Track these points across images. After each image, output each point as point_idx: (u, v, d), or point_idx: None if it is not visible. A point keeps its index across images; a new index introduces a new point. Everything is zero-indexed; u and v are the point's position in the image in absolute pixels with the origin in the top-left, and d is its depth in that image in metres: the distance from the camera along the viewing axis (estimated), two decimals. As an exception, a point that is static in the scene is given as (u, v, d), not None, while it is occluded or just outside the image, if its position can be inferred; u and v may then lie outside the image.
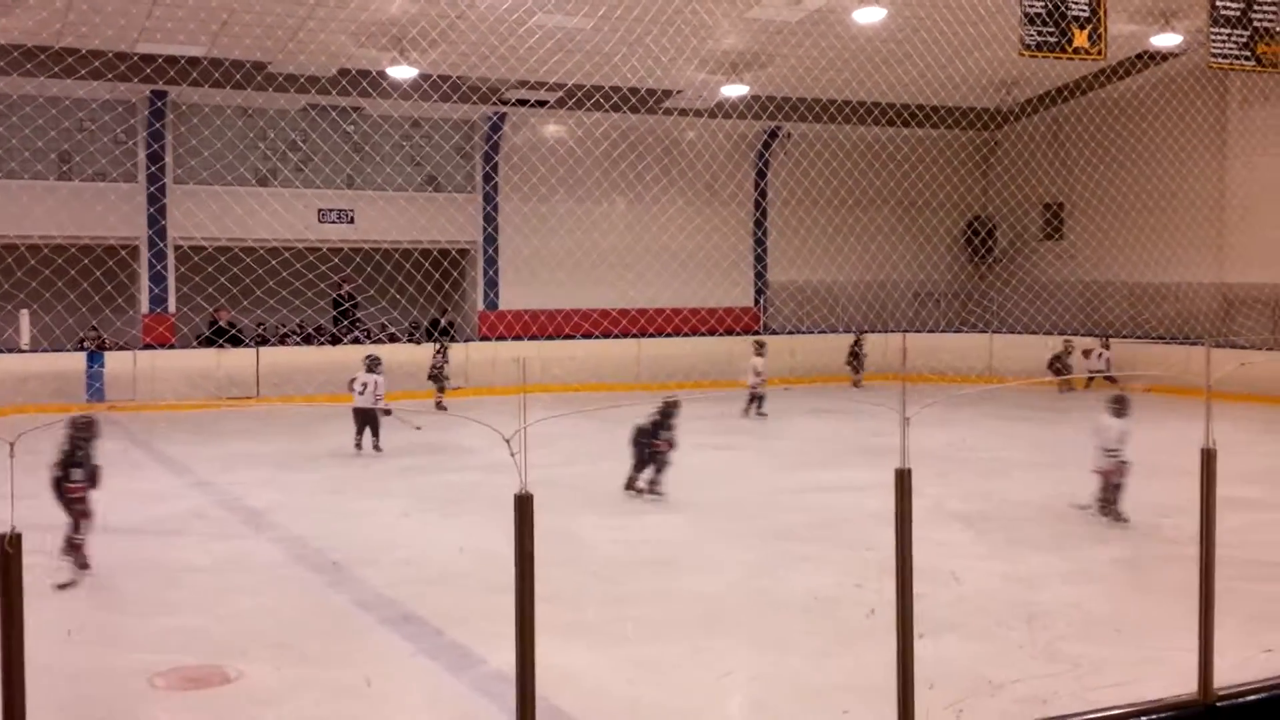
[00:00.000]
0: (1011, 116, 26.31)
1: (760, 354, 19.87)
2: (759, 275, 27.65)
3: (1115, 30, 17.07)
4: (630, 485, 12.43)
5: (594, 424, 18.08)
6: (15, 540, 3.04)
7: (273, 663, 7.17)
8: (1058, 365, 23.26)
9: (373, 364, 15.49)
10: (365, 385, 15.26)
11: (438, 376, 20.41)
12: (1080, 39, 15.60)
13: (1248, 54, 16.49)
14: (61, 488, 8.84)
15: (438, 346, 20.96)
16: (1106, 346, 23.23)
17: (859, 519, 10.91)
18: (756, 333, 27.05)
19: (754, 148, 27.03)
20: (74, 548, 8.93)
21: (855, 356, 24.58)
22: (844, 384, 24.27)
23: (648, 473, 12.33)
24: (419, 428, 15.88)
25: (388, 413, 15.16)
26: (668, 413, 12.17)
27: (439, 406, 20.10)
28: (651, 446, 12.19)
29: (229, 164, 22.86)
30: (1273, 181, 22.24)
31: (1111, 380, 20.88)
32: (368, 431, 15.41)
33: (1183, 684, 5.18)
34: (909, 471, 4.63)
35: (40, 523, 10.92)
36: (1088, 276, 25.58)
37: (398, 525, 11.38)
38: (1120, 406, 11.35)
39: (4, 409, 19.21)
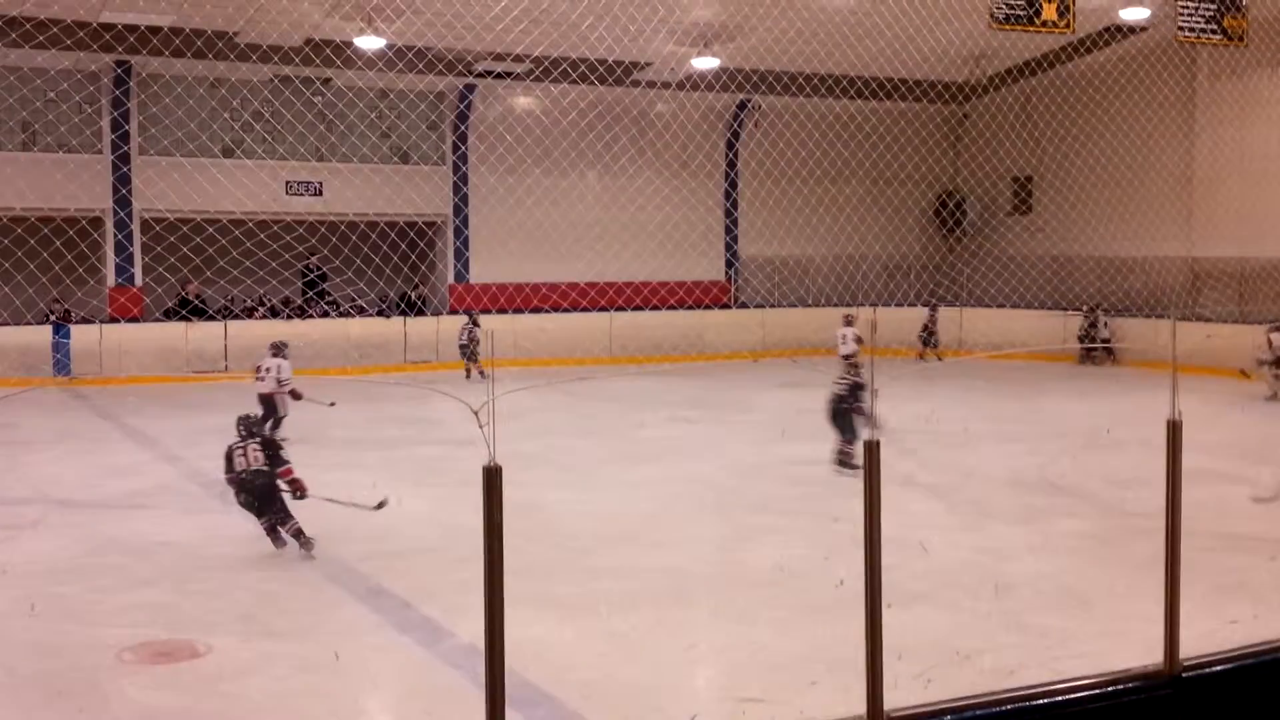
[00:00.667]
0: (981, 90, 26.32)
1: (850, 324, 20.30)
2: (730, 249, 27.65)
3: (1084, 4, 17.09)
4: (847, 461, 11.83)
5: (565, 398, 18.10)
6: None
7: (242, 636, 7.15)
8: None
9: (278, 349, 14.90)
10: (268, 370, 14.63)
11: (467, 348, 21.18)
12: (1049, 12, 15.65)
13: (1215, 27, 16.59)
14: (276, 484, 9.01)
15: (468, 318, 21.85)
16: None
17: (828, 492, 10.98)
18: (726, 305, 27.12)
19: (725, 121, 26.97)
20: (299, 534, 9.07)
21: (927, 330, 24.32)
22: (817, 357, 24.11)
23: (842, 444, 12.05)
24: (332, 404, 15.45)
25: (297, 397, 14.70)
26: (861, 381, 12.13)
27: (473, 375, 20.98)
28: (854, 410, 11.97)
29: (195, 135, 22.54)
30: (1240, 155, 22.39)
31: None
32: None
33: (1148, 655, 5.24)
34: (878, 443, 4.65)
35: (13, 497, 10.86)
36: (1056, 250, 25.71)
37: (366, 499, 11.33)
38: None
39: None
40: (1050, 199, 26.11)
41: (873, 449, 4.69)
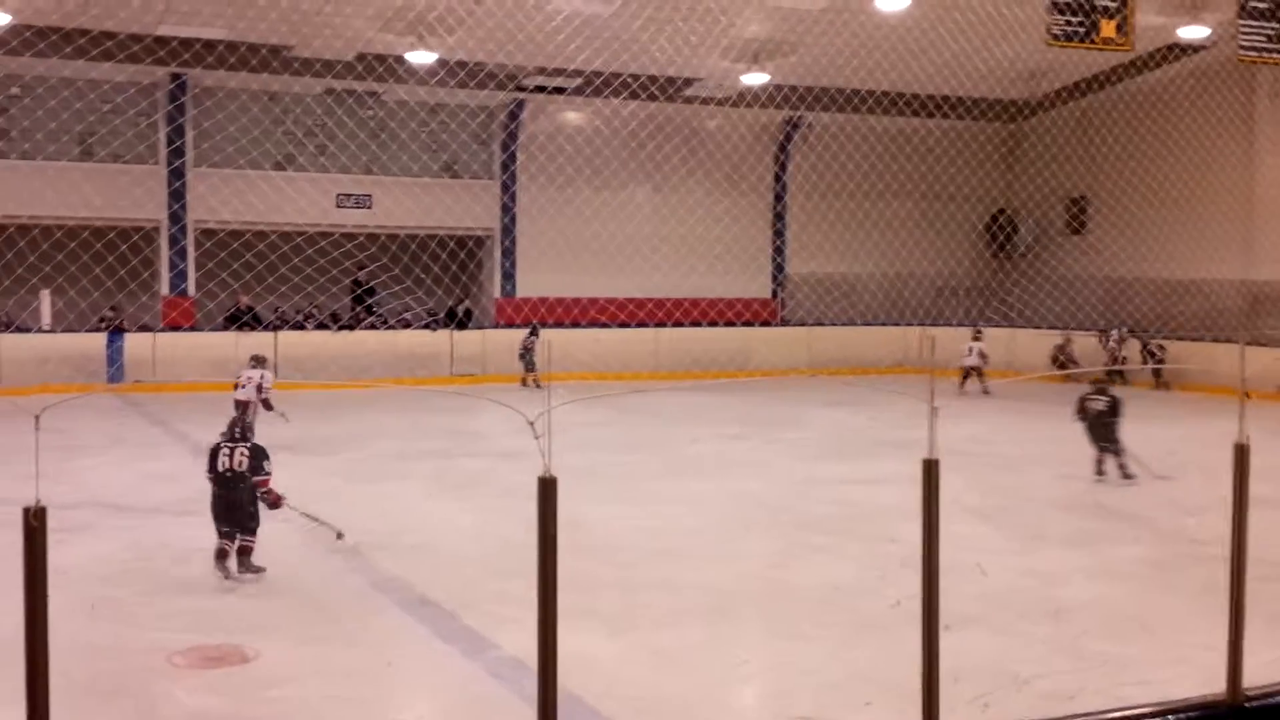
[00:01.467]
0: (1036, 108, 26.07)
1: (978, 339, 21.83)
2: (777, 266, 27.54)
3: (1143, 21, 16.89)
4: (1125, 472, 12.77)
5: (612, 412, 18.06)
6: (40, 514, 3.00)
7: (290, 642, 7.15)
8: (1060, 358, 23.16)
9: (259, 360, 15.19)
10: (249, 379, 14.88)
11: (526, 357, 21.82)
12: (1108, 30, 15.47)
13: (1277, 46, 16.33)
14: (255, 490, 8.90)
15: (530, 329, 22.44)
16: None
17: (879, 511, 10.83)
18: (773, 323, 27.01)
19: (775, 137, 26.89)
20: (246, 552, 8.88)
21: (1065, 354, 23.59)
22: (877, 375, 23.76)
23: (1110, 457, 12.84)
24: (285, 417, 14.63)
25: (269, 408, 14.66)
26: (1115, 398, 13.08)
27: (528, 384, 21.52)
28: (1110, 429, 12.82)
29: (248, 148, 22.85)
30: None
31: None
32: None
33: (1210, 684, 5.09)
34: (936, 462, 4.55)
35: (64, 502, 10.96)
36: (1112, 272, 25.34)
37: (413, 509, 11.36)
38: None
39: (27, 388, 19.27)
40: (1106, 219, 25.74)
41: (931, 469, 4.59)
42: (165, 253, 22.17)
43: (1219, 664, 5.00)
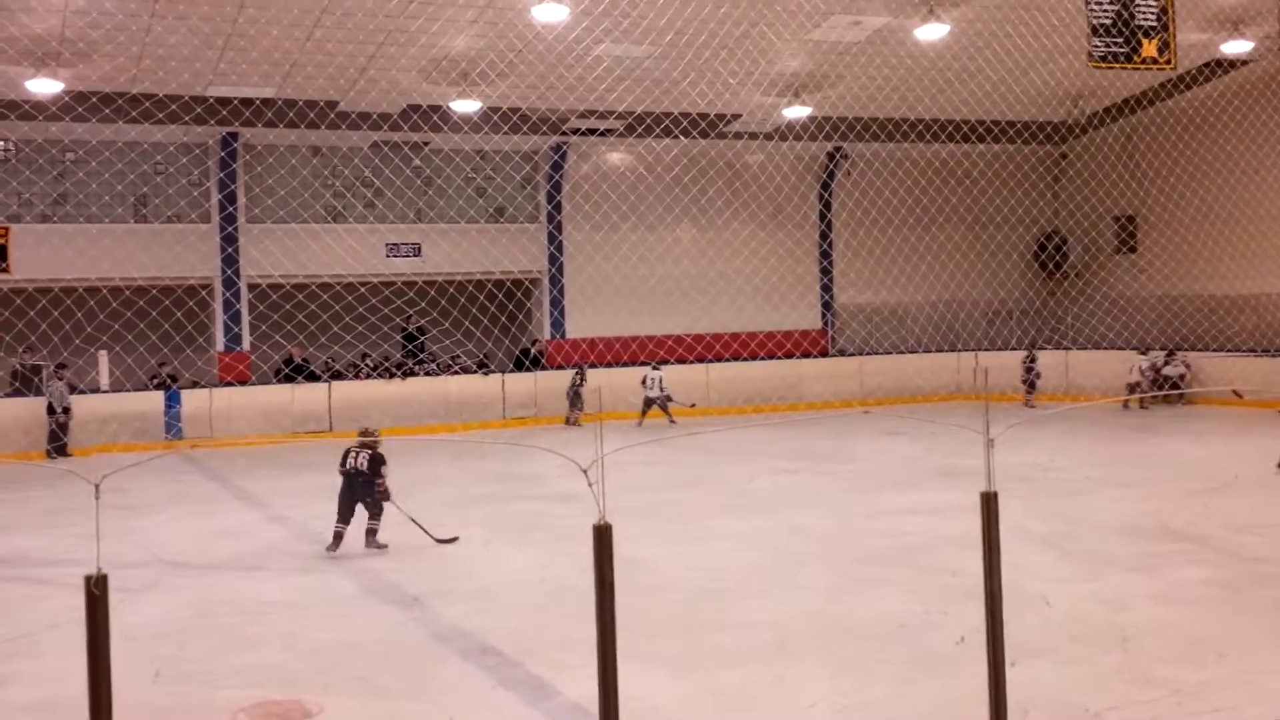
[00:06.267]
0: (1081, 129, 25.91)
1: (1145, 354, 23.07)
2: (826, 297, 27.46)
3: (1184, 39, 16.77)
4: None
5: (667, 451, 18.03)
6: (101, 582, 3.04)
7: (353, 696, 7.17)
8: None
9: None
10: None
11: (575, 399, 22.55)
12: (1149, 49, 15.35)
13: (1323, 58, 16.11)
14: (372, 486, 11.15)
15: (577, 370, 23.06)
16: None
17: (938, 543, 10.72)
18: (823, 354, 26.91)
19: (818, 170, 26.90)
20: (372, 533, 11.28)
21: (1030, 373, 24.11)
22: (931, 404, 23.70)
23: None
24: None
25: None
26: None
27: (571, 423, 22.24)
28: None
29: (301, 202, 23.26)
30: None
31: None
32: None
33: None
34: (995, 495, 4.51)
35: (127, 561, 11.13)
36: (1163, 290, 25.02)
37: (471, 556, 11.38)
38: None
39: (87, 449, 19.64)
40: (1156, 237, 25.46)
41: (990, 502, 4.55)
42: (220, 309, 22.54)
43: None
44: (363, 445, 11.34)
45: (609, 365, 24.04)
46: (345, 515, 11.25)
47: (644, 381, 22.44)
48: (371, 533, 11.28)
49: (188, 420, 20.94)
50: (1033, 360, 24.13)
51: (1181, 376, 22.59)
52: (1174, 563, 10.13)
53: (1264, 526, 10.48)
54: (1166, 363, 23.16)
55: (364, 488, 11.18)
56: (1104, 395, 23.10)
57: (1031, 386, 23.96)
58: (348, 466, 11.21)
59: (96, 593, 2.97)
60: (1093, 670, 7.17)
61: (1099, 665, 7.27)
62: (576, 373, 22.98)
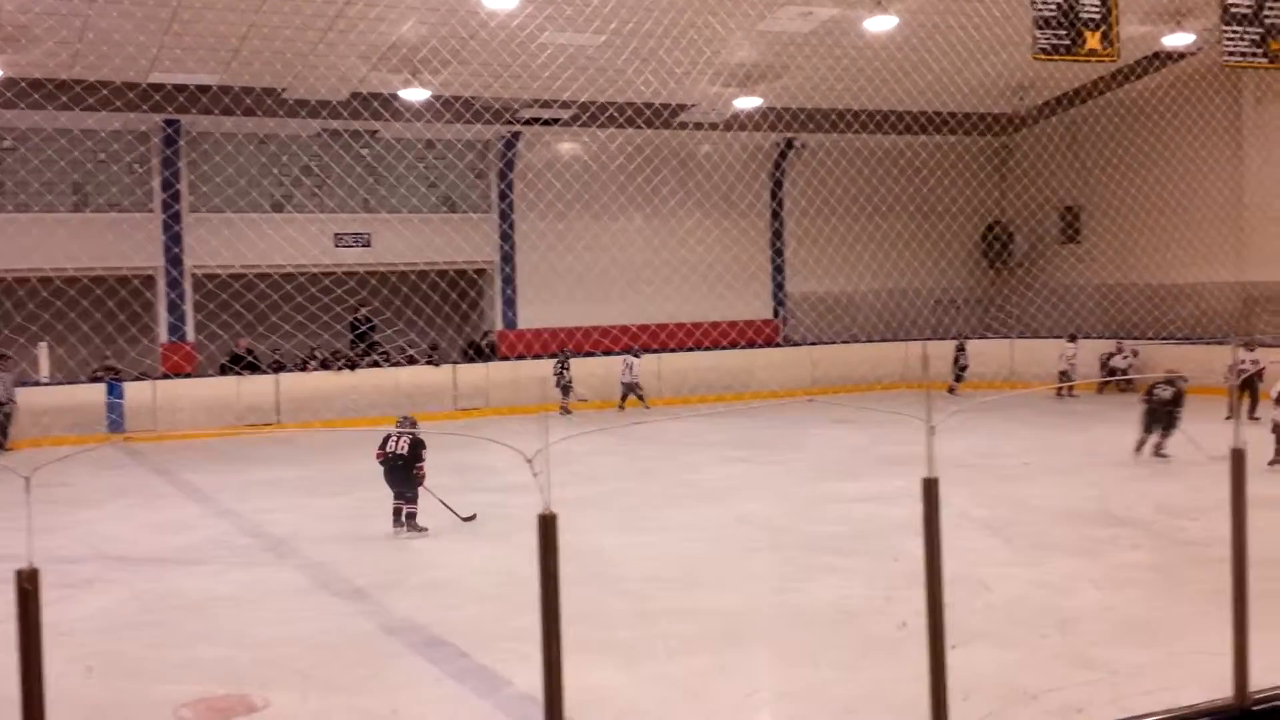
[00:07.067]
0: (1027, 121, 26.20)
1: (1075, 340, 23.81)
2: (777, 286, 27.59)
3: (1127, 31, 16.98)
4: (1154, 451, 14.75)
5: (617, 441, 18.05)
6: (33, 576, 3.00)
7: (299, 691, 7.13)
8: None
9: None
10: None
11: (563, 386, 22.62)
12: (1092, 41, 15.53)
13: (1260, 51, 16.38)
14: (411, 470, 11.55)
15: (560, 358, 22.99)
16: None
17: (885, 529, 10.83)
18: (775, 344, 27.04)
19: (769, 159, 27.00)
20: (412, 517, 11.67)
21: (957, 364, 24.39)
22: (880, 392, 23.83)
23: (1154, 438, 14.79)
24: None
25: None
26: (1180, 389, 14.85)
27: (563, 411, 22.19)
28: (1172, 416, 14.67)
29: (244, 191, 22.98)
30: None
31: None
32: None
33: (1217, 688, 5.08)
34: (936, 481, 4.56)
35: (69, 555, 10.97)
36: (1107, 279, 25.41)
37: (421, 548, 11.34)
38: None
39: (21, 442, 19.30)
40: (1099, 227, 25.84)
41: (930, 487, 4.60)
42: (163, 299, 22.22)
43: (1226, 668, 4.99)
44: (403, 431, 12.11)
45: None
46: (399, 495, 11.75)
47: (630, 368, 22.93)
48: (411, 516, 11.66)
49: (130, 413, 20.64)
50: (961, 349, 24.49)
51: (1130, 367, 22.93)
52: (1113, 547, 10.32)
53: (1201, 511, 10.68)
54: (1115, 354, 23.51)
55: (403, 471, 11.57)
56: (1041, 383, 23.45)
57: (959, 376, 24.27)
58: (388, 451, 11.60)
59: (28, 586, 2.93)
60: (1032, 653, 7.30)
61: (1038, 648, 7.39)
62: (559, 361, 23.00)
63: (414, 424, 13.12)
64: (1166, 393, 14.94)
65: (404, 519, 11.63)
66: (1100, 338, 24.35)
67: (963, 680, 5.24)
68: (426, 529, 11.65)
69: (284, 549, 11.38)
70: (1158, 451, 14.84)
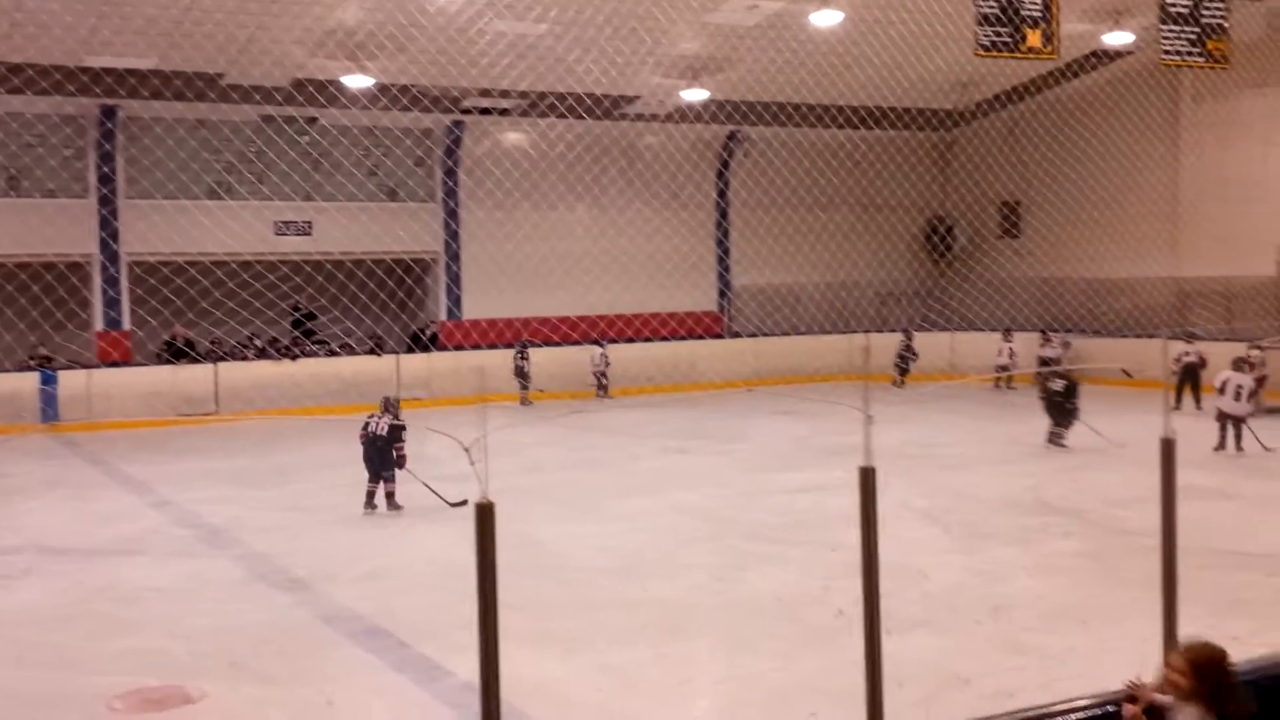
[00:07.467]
0: (969, 117, 26.49)
1: (1009, 339, 23.81)
2: (722, 279, 27.68)
3: (1068, 30, 17.20)
4: (1058, 441, 15.41)
5: (559, 431, 18.04)
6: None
7: (235, 682, 7.06)
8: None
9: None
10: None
11: (521, 374, 22.58)
12: (1034, 39, 15.72)
13: (1198, 50, 16.68)
14: (390, 451, 12.00)
15: (519, 347, 22.96)
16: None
17: (824, 519, 10.92)
18: (719, 335, 27.14)
19: (714, 152, 27.06)
20: (390, 496, 12.16)
21: (903, 357, 24.56)
22: (823, 383, 23.95)
23: (1055, 428, 15.41)
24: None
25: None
26: (1075, 381, 15.66)
27: (523, 402, 22.24)
28: (1070, 405, 15.36)
29: (183, 178, 22.59)
30: (1223, 176, 22.53)
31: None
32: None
33: (1148, 673, 5.20)
34: (873, 470, 4.61)
35: (3, 546, 10.78)
36: (1045, 273, 25.79)
37: (363, 538, 11.27)
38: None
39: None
40: (1038, 222, 26.20)
41: (868, 476, 4.65)
42: (98, 286, 21.80)
43: (1156, 654, 5.11)
44: (384, 413, 12.30)
45: (508, 346, 23.85)
46: (374, 476, 12.19)
47: (604, 358, 23.24)
48: (390, 495, 12.16)
49: (65, 402, 20.27)
50: (908, 341, 24.78)
51: (1059, 358, 23.27)
52: (1048, 536, 10.51)
53: (1135, 500, 10.88)
54: (1043, 345, 23.83)
55: (382, 452, 12.03)
56: (979, 375, 23.77)
57: (903, 369, 24.53)
58: (368, 431, 12.11)
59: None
60: (966, 639, 7.42)
61: (972, 634, 7.51)
62: (518, 351, 22.90)
63: (397, 405, 13.00)
64: (1058, 385, 15.65)
65: (375, 501, 12.11)
66: (1036, 330, 24.67)
67: (898, 667, 5.32)
68: (403, 507, 12.07)
69: (221, 539, 11.26)
70: (1058, 440, 15.45)
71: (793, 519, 11.41)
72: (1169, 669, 4.25)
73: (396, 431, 12.07)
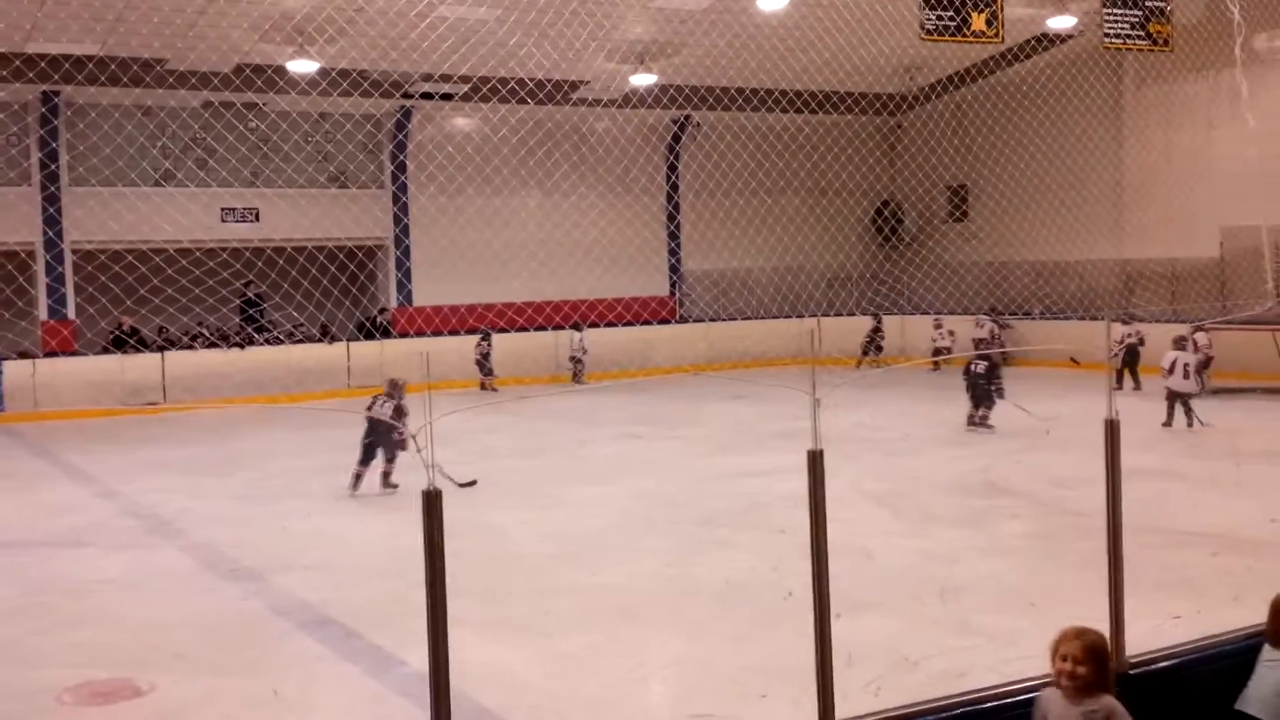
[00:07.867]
0: (915, 101, 26.65)
1: (940, 326, 24.34)
2: (673, 264, 27.71)
3: (1012, 13, 17.35)
4: (973, 422, 15.73)
5: (509, 418, 18.01)
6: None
7: (185, 674, 7.00)
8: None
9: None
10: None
11: (483, 364, 22.61)
12: (978, 23, 15.85)
13: (1141, 33, 16.91)
14: (391, 433, 11.99)
15: (481, 335, 22.95)
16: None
17: (775, 503, 11.00)
18: (670, 320, 27.19)
19: (664, 137, 27.06)
20: (386, 475, 12.35)
21: (873, 341, 24.89)
22: (775, 368, 24.04)
23: (980, 411, 15.75)
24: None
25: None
26: (996, 362, 16.07)
27: (484, 388, 22.42)
28: (992, 386, 15.63)
29: (127, 164, 22.22)
30: (1167, 158, 22.86)
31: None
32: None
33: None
34: (821, 453, 4.65)
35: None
36: (992, 256, 26.07)
37: (313, 528, 11.19)
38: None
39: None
40: (985, 206, 26.46)
41: (816, 459, 4.69)
42: (42, 276, 21.44)
43: (1104, 633, 5.20)
44: (389, 395, 12.55)
45: (454, 333, 23.71)
46: (365, 458, 12.37)
47: (582, 342, 23.43)
48: (385, 475, 12.36)
49: (9, 392, 19.94)
50: (877, 326, 25.04)
51: (990, 340, 23.46)
52: (997, 517, 10.64)
53: (1083, 481, 11.04)
54: (977, 327, 24.08)
55: (384, 434, 12.19)
56: (923, 359, 24.03)
57: (870, 351, 24.75)
58: (372, 412, 12.48)
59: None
60: (914, 621, 7.50)
61: (920, 616, 7.60)
62: (482, 339, 22.90)
63: (402, 388, 13.01)
64: (980, 367, 15.93)
65: (360, 483, 12.31)
66: (983, 313, 24.94)
67: (848, 648, 5.39)
68: (398, 486, 12.22)
69: (170, 530, 11.14)
70: (983, 422, 15.68)
71: (744, 503, 11.47)
72: (1066, 660, 4.20)
73: (399, 415, 12.20)
